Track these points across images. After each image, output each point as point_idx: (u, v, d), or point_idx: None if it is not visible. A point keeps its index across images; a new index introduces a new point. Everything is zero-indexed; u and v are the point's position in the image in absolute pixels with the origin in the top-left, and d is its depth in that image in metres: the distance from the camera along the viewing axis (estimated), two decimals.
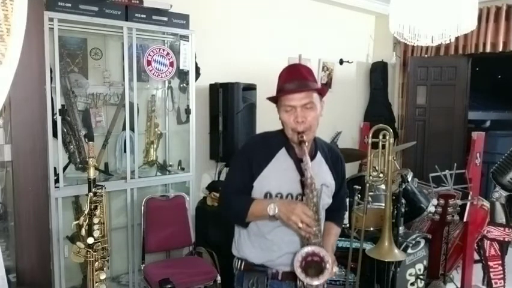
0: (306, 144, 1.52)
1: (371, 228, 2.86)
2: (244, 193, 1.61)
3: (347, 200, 1.96)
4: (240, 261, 1.68)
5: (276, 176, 1.58)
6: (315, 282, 1.45)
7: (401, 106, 4.98)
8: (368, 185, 2.47)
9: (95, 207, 2.02)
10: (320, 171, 1.61)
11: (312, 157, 1.62)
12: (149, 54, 2.97)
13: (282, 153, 1.60)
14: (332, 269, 1.49)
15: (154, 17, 2.93)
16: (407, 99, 4.79)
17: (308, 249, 1.47)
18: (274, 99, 1.60)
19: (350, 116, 4.97)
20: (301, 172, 1.53)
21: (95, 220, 2.00)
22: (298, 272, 1.46)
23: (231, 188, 1.65)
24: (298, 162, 1.56)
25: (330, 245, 1.65)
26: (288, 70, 1.62)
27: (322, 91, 1.59)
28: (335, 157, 1.72)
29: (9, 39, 1.07)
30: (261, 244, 1.62)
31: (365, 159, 3.02)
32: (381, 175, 2.39)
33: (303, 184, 1.51)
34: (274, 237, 1.59)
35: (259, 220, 1.59)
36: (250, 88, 3.41)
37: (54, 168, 2.63)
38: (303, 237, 1.50)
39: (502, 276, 3.16)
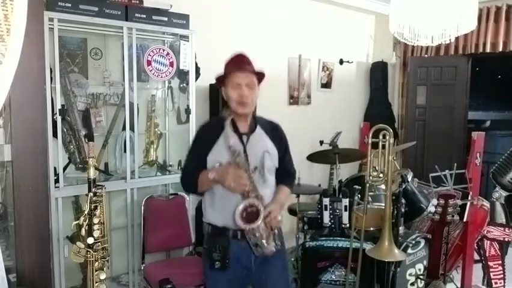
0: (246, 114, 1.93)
1: (371, 228, 2.85)
2: (198, 169, 1.90)
3: (296, 168, 2.21)
4: (208, 226, 1.96)
5: (223, 149, 1.87)
6: (252, 226, 1.77)
7: (401, 106, 4.98)
8: (368, 185, 2.46)
9: (95, 207, 2.01)
10: (261, 141, 1.96)
11: (253, 130, 1.96)
12: (149, 54, 2.97)
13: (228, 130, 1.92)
14: (270, 215, 1.82)
15: (154, 17, 2.93)
16: (407, 99, 4.80)
17: (246, 202, 1.77)
18: (220, 82, 1.97)
19: (350, 116, 4.97)
20: (243, 143, 1.90)
21: (95, 220, 2.00)
22: (239, 221, 1.75)
23: (186, 169, 2.03)
24: (240, 135, 1.92)
25: (278, 198, 1.97)
26: (235, 57, 1.96)
27: (260, 76, 1.97)
28: (274, 130, 2.04)
29: (9, 39, 1.07)
30: (220, 208, 1.89)
31: (365, 159, 3.01)
32: (381, 175, 2.39)
33: (233, 152, 1.82)
34: (227, 199, 1.85)
35: (213, 186, 1.88)
36: None
37: (54, 168, 2.63)
38: (243, 194, 1.80)
39: (502, 276, 3.17)
